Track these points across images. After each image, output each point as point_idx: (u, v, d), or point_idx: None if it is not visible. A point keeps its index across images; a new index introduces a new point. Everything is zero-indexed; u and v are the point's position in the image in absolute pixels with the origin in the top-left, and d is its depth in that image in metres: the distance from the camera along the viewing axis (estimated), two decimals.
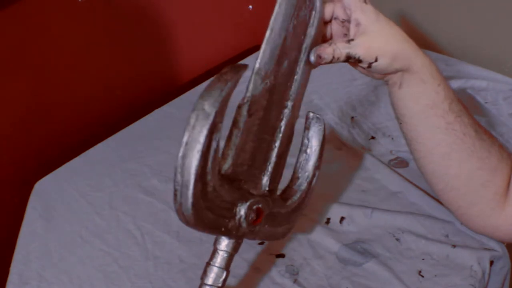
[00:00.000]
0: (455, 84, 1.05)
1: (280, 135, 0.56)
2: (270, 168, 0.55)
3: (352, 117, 1.02)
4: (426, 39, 1.28)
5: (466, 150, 0.63)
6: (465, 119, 0.63)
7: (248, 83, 0.53)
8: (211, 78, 0.45)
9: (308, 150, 0.59)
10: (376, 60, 0.57)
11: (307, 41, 0.56)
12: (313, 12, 0.56)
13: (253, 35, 1.30)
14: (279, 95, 0.55)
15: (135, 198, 0.86)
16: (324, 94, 1.07)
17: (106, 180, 0.90)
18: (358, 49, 0.57)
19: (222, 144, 0.51)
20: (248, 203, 0.51)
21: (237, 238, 0.52)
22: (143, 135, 1.02)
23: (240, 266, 0.71)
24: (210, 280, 0.52)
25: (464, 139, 0.63)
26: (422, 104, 0.62)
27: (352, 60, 0.58)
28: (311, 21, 0.56)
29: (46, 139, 1.03)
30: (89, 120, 1.09)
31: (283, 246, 0.74)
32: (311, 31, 0.56)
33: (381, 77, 0.62)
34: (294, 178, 0.60)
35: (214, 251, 0.53)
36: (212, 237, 0.77)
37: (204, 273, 0.52)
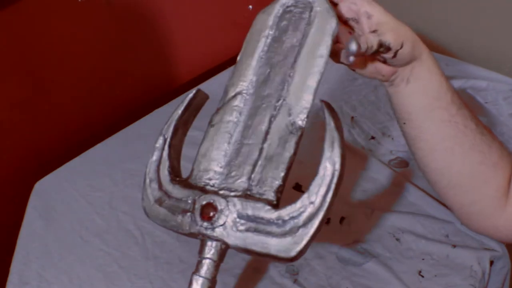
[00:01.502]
0: (455, 84, 1.05)
1: (268, 136, 0.55)
2: (248, 170, 0.53)
3: (352, 117, 1.02)
4: (426, 39, 1.27)
5: (467, 143, 0.63)
6: (465, 112, 0.63)
7: None
8: None
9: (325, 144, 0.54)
10: (401, 47, 0.57)
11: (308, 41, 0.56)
12: (303, 21, 0.56)
13: None
14: (260, 101, 0.56)
15: (135, 198, 0.85)
16: (324, 94, 1.07)
17: (106, 180, 0.90)
18: (387, 36, 0.56)
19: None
20: (195, 198, 0.52)
21: (200, 236, 0.52)
22: (143, 135, 1.01)
23: (240, 266, 0.71)
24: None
25: (466, 132, 0.63)
26: (429, 96, 0.62)
27: (382, 49, 0.56)
28: (303, 29, 0.56)
29: (46, 139, 1.03)
30: (89, 120, 1.09)
31: None
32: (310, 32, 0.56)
33: (391, 74, 0.61)
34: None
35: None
36: None
37: (190, 284, 0.52)
